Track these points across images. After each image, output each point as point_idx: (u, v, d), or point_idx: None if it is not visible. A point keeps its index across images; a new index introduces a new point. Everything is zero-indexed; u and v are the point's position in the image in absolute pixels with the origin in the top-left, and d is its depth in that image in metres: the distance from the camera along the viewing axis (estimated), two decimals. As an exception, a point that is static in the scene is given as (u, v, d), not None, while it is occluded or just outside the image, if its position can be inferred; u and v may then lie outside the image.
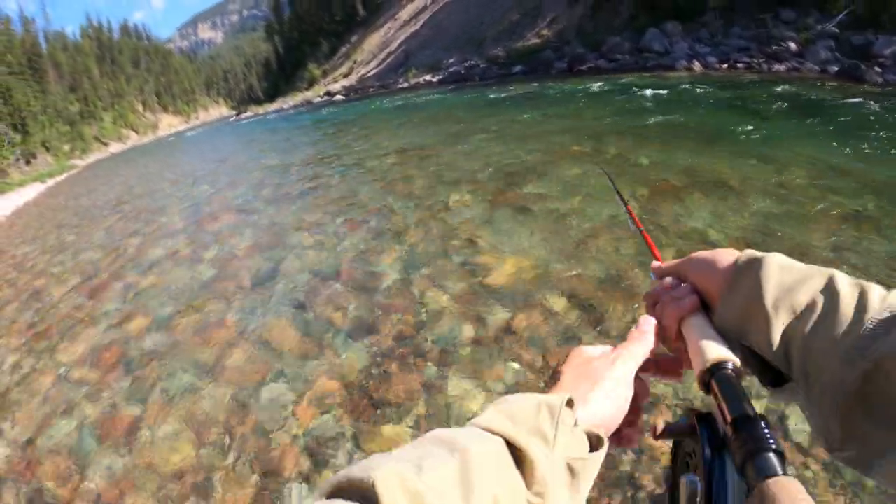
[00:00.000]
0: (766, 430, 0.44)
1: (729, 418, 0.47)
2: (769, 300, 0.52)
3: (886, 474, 0.43)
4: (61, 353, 4.97)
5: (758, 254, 0.57)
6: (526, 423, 0.46)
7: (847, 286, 0.49)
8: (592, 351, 0.61)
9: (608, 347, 0.61)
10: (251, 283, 5.58)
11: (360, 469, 0.38)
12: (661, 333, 0.63)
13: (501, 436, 0.45)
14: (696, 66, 21.56)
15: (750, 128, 8.89)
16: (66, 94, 74.68)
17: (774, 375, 0.53)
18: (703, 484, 0.47)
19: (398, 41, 60.69)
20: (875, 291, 0.48)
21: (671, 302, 0.62)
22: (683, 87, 15.67)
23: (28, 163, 52.23)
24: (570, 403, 0.51)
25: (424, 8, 62.09)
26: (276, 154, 16.24)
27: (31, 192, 31.74)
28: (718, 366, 0.53)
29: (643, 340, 0.60)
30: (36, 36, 76.88)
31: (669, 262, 0.70)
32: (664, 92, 14.73)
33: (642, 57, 25.52)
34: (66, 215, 14.66)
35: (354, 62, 67.04)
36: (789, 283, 0.52)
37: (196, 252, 7.15)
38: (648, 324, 0.63)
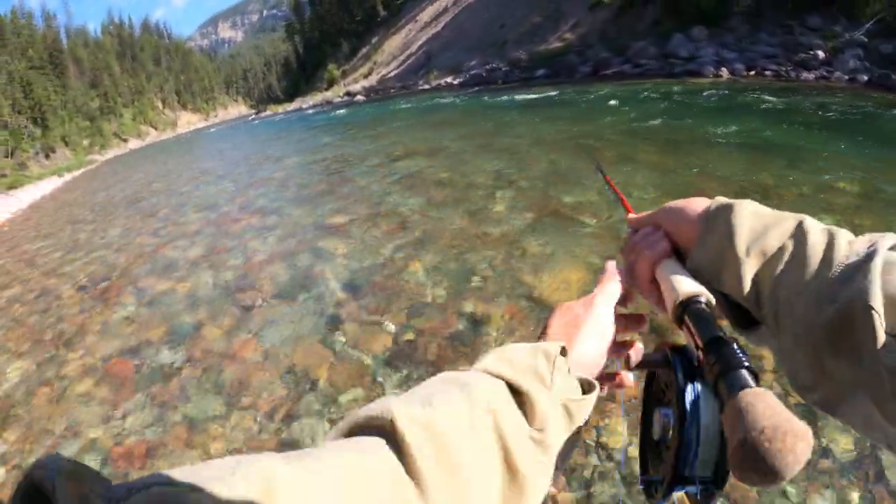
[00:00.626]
0: (738, 350, 0.44)
1: (700, 343, 0.47)
2: (740, 244, 0.53)
3: (851, 415, 0.44)
4: (68, 365, 4.56)
5: (729, 200, 0.58)
6: (525, 367, 0.50)
7: (817, 231, 0.51)
8: (574, 303, 0.63)
9: (587, 298, 0.64)
10: (277, 293, 5.14)
11: (378, 406, 0.42)
12: (635, 279, 0.65)
13: (502, 378, 0.49)
14: (724, 72, 21.03)
15: (799, 142, 8.41)
16: (87, 90, 75.49)
17: (746, 318, 0.55)
18: (677, 412, 0.48)
19: (419, 43, 60.58)
20: (843, 236, 0.49)
21: (645, 248, 0.64)
22: (714, 94, 15.14)
23: (47, 156, 52.88)
24: (563, 352, 0.53)
25: (445, 10, 61.95)
26: (299, 153, 15.76)
27: (49, 185, 31.88)
28: (691, 299, 0.53)
29: (613, 279, 0.64)
30: (57, 31, 77.97)
31: (644, 213, 0.71)
32: (696, 98, 14.24)
33: (668, 62, 25.02)
34: (82, 211, 14.35)
35: (375, 63, 66.98)
36: (760, 228, 0.54)
37: (216, 256, 6.71)
38: (612, 266, 0.67)
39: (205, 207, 10.10)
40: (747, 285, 0.52)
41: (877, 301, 0.40)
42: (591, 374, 0.57)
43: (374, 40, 74.40)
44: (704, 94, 15.19)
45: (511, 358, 0.50)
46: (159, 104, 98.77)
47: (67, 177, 37.46)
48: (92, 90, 77.08)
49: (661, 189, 6.19)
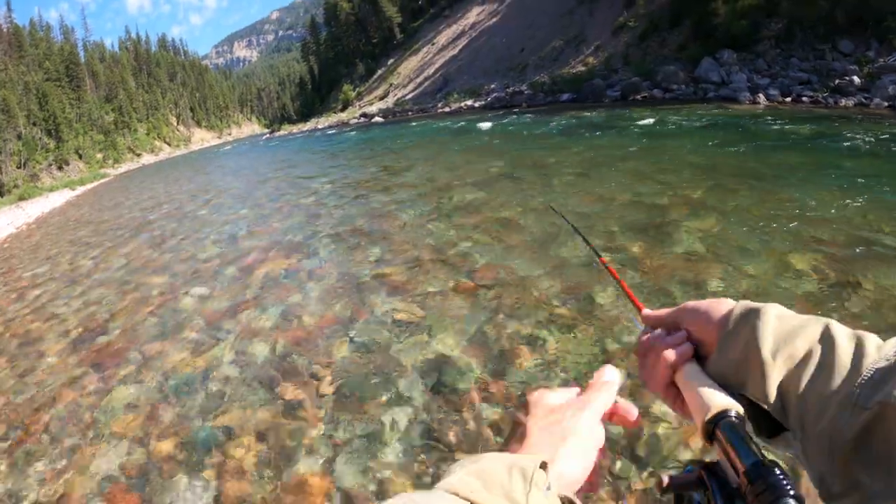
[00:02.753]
0: (783, 477, 0.43)
1: (741, 467, 0.46)
2: (766, 350, 0.52)
3: None
4: (48, 480, 3.28)
5: (754, 304, 0.57)
6: (497, 487, 0.45)
7: (844, 336, 0.50)
8: (555, 398, 0.60)
9: (569, 392, 0.61)
10: (340, 391, 3.65)
11: None
12: (652, 380, 0.64)
13: (471, 502, 0.44)
14: (761, 98, 20.18)
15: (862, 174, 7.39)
16: (102, 104, 75.62)
17: (770, 425, 0.53)
18: None
19: (436, 66, 60.20)
20: (871, 340, 0.49)
21: (665, 350, 0.62)
22: (760, 122, 13.99)
23: (60, 168, 52.96)
24: (543, 465, 0.49)
25: (462, 33, 61.65)
26: (328, 175, 14.33)
27: (60, 198, 31.57)
28: (722, 414, 0.52)
29: (608, 389, 0.60)
30: (75, 45, 78.58)
31: (660, 311, 0.69)
32: (743, 126, 13.12)
33: (700, 87, 24.15)
34: (87, 231, 13.26)
35: (391, 85, 66.58)
36: (786, 333, 0.53)
37: (244, 315, 5.26)
38: (612, 373, 0.63)
39: (223, 240, 8.79)
40: (773, 392, 0.51)
41: None
42: (572, 491, 0.52)
43: (390, 62, 74.15)
44: (753, 121, 14.03)
45: (484, 475, 0.46)
46: (173, 120, 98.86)
47: (79, 190, 37.13)
48: (107, 104, 77.17)
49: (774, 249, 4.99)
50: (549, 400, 0.59)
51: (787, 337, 0.51)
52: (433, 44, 66.60)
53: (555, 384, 3.03)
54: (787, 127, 12.62)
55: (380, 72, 75.19)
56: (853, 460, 0.43)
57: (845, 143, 10.00)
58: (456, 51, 59.39)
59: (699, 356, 0.61)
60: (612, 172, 9.12)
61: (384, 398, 3.48)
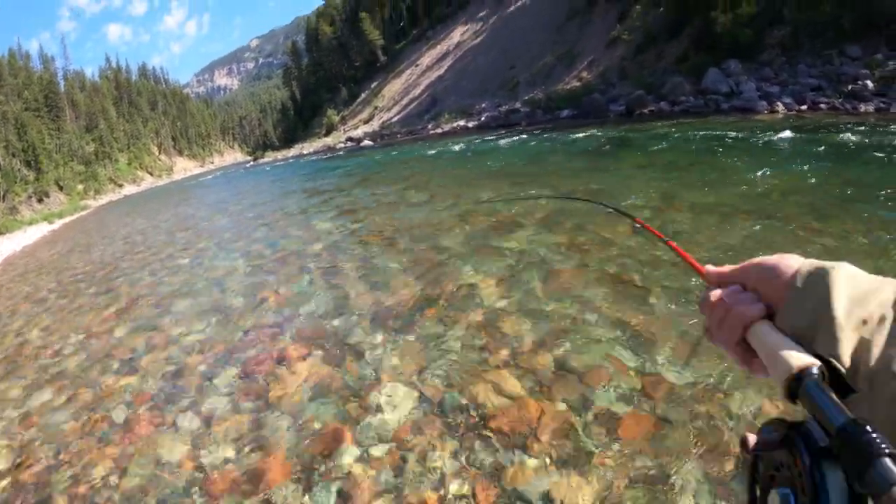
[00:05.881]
0: (877, 436, 0.42)
1: (832, 426, 0.45)
2: (839, 310, 0.52)
3: None
4: None
5: (823, 263, 0.57)
6: None
7: None
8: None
9: None
10: None
11: None
12: (722, 337, 0.62)
13: None
14: (780, 107, 19.24)
15: None
16: (82, 134, 73.77)
17: (837, 385, 0.52)
18: (807, 497, 0.45)
19: (421, 87, 59.45)
20: None
21: (736, 308, 0.60)
22: (795, 133, 12.63)
23: (40, 201, 51.40)
24: None
25: (447, 53, 61.02)
26: (329, 212, 11.72)
27: (36, 233, 30.05)
28: (805, 372, 0.51)
29: None
30: (54, 74, 76.84)
31: (725, 268, 0.67)
32: (784, 139, 11.80)
33: (709, 99, 23.03)
34: (50, 283, 11.26)
35: (376, 108, 65.59)
36: (859, 295, 0.52)
37: (241, 443, 3.62)
38: None
39: (214, 308, 6.57)
40: (847, 354, 0.50)
41: None
42: None
43: (373, 85, 73.26)
44: (786, 132, 12.66)
45: None
46: (155, 149, 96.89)
47: (57, 224, 35.58)
48: (87, 134, 75.24)
49: None
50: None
51: (860, 298, 0.51)
52: (417, 65, 66.01)
53: None
54: (842, 137, 11.24)
55: (363, 95, 74.35)
56: None
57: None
58: (441, 71, 58.81)
59: (768, 314, 0.58)
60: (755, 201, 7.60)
61: None
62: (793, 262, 0.58)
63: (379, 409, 3.67)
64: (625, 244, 5.84)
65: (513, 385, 3.62)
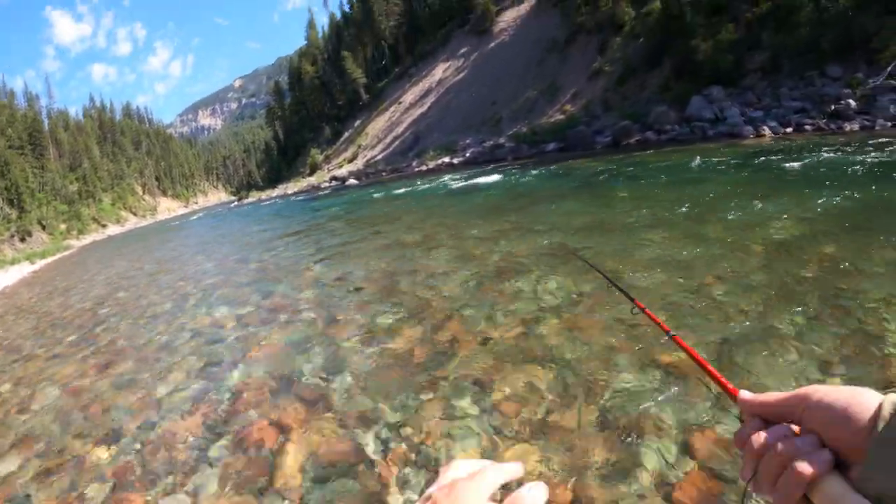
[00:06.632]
0: None
1: None
2: None
3: None
4: None
5: None
6: None
7: None
8: (462, 470, 0.53)
9: (481, 463, 0.54)
10: None
11: None
12: (773, 493, 0.50)
13: None
14: (766, 131, 19.36)
15: None
16: (66, 173, 73.65)
17: None
18: None
19: (404, 124, 59.82)
20: None
21: (799, 463, 0.48)
22: (788, 157, 12.53)
23: (23, 240, 51.09)
24: None
25: (429, 91, 61.60)
26: (325, 259, 10.33)
27: (17, 274, 29.24)
28: None
29: (508, 472, 0.53)
30: (39, 112, 76.86)
31: (767, 397, 0.56)
32: (786, 165, 11.70)
33: (695, 126, 23.28)
34: (26, 329, 10.53)
35: (359, 146, 65.85)
36: None
37: None
38: (539, 489, 0.50)
39: (200, 370, 5.71)
40: None
41: None
42: None
43: (357, 124, 73.67)
44: (776, 156, 12.65)
45: None
46: (139, 189, 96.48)
47: (38, 264, 34.77)
48: (71, 173, 75.05)
49: None
50: (456, 472, 0.52)
51: None
52: (400, 102, 66.58)
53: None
54: (831, 155, 11.26)
55: (347, 134, 74.74)
56: None
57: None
58: (424, 108, 59.32)
59: (837, 463, 0.47)
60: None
61: None
62: (867, 400, 0.45)
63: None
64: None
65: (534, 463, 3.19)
